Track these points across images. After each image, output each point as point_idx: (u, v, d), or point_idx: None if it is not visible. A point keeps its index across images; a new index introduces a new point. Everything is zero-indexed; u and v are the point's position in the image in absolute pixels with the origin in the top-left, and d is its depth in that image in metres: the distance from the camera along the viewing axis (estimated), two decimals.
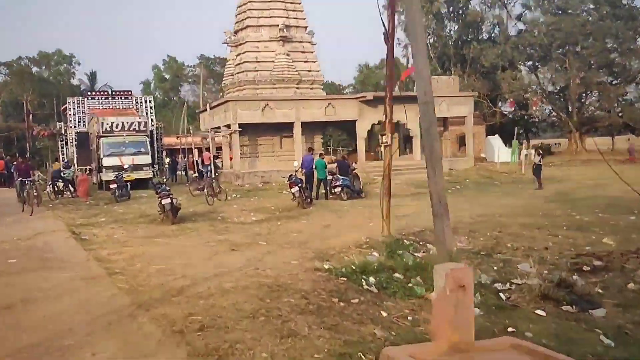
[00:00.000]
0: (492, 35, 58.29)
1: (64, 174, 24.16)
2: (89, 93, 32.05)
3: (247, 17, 30.14)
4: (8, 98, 63.11)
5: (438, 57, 59.11)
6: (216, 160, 29.88)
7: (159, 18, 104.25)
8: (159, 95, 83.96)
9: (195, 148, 36.54)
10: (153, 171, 29.04)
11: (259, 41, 30.06)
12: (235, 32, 31.39)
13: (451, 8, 58.40)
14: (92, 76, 71.74)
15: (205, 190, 22.76)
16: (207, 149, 33.16)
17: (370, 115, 29.74)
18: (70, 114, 31.85)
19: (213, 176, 26.00)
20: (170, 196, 14.54)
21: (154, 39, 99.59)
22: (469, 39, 58.36)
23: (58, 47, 76.98)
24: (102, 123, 27.17)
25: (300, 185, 18.39)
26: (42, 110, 61.43)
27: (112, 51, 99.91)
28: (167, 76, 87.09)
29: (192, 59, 78.34)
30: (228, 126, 28.72)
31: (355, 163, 21.35)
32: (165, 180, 14.88)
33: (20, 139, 49.60)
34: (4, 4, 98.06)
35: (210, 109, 27.78)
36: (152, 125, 33.20)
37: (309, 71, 30.71)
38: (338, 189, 20.08)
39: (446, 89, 31.86)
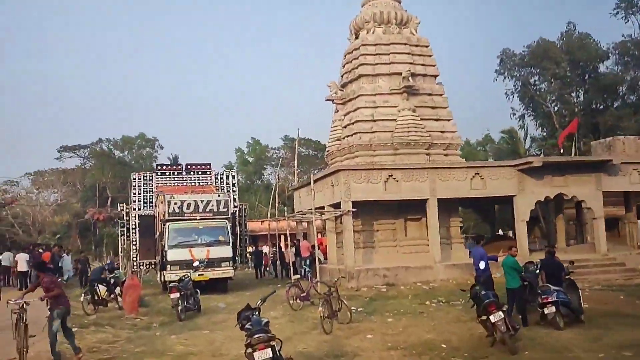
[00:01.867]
0: (629, 99, 49.22)
1: (109, 275, 16.90)
2: (159, 167, 25.35)
3: (361, 65, 23.11)
4: (89, 182, 59.11)
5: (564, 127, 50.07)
6: (312, 251, 22.17)
7: (242, 101, 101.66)
8: (241, 179, 78.46)
9: (281, 234, 29.10)
10: (234, 267, 21.45)
11: (375, 94, 22.80)
12: (343, 86, 24.29)
13: (578, 71, 49.78)
14: (175, 159, 67.34)
15: (309, 298, 15.07)
16: (304, 235, 25.37)
17: (534, 189, 21.20)
18: (134, 193, 25.11)
19: (311, 273, 18.31)
20: (271, 342, 6.53)
21: (237, 121, 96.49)
22: (601, 105, 49.48)
23: (141, 130, 74.08)
24: (169, 202, 20.30)
25: (494, 303, 10.00)
26: (123, 194, 56.82)
27: (195, 134, 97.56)
28: (250, 159, 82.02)
29: (276, 141, 73.32)
30: (335, 206, 20.91)
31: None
32: (259, 304, 6.39)
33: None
34: (85, 86, 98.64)
35: (313, 182, 20.07)
36: (235, 207, 26.05)
37: (442, 132, 22.92)
38: (551, 309, 11.45)
39: (636, 154, 22.98)
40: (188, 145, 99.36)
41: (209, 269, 20.11)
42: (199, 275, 19.96)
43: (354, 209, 20.28)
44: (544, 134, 51.76)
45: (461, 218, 23.45)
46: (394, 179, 20.81)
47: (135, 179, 26.13)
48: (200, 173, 26.02)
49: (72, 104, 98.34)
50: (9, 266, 25.67)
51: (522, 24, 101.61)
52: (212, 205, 20.91)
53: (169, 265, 19.96)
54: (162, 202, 21.04)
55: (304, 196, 25.91)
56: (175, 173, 26.09)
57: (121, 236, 25.92)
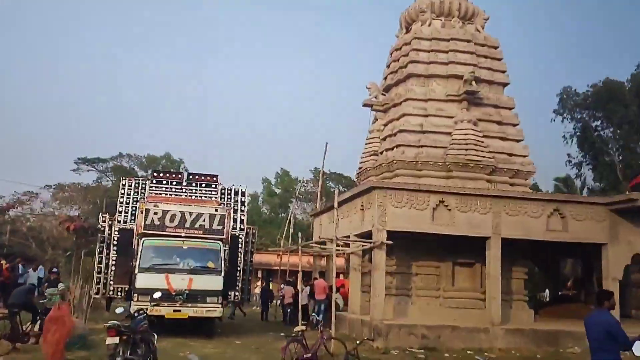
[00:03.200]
0: None
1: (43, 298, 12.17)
2: (154, 173, 20.49)
3: (411, 62, 18.26)
4: (109, 200, 54.91)
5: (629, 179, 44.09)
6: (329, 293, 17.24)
7: (274, 130, 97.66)
8: (265, 211, 73.65)
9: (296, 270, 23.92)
10: (225, 305, 16.36)
11: (427, 99, 17.81)
12: (387, 90, 19.43)
13: None
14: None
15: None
16: (322, 274, 20.09)
17: (632, 237, 15.68)
18: (121, 203, 20.24)
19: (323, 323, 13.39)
20: None
21: (267, 150, 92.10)
22: None
23: (167, 150, 70.23)
24: (147, 211, 15.37)
25: None
26: None
27: (221, 160, 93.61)
28: (278, 190, 77.19)
29: (305, 173, 68.63)
30: (365, 236, 15.78)
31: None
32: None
33: None
34: (111, 99, 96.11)
35: (337, 203, 14.91)
36: (242, 229, 21.01)
37: (509, 154, 17.70)
38: None
39: None
40: (213, 170, 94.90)
41: (190, 304, 15.02)
42: (174, 311, 14.89)
43: (389, 242, 15.00)
44: (604, 185, 45.89)
45: (526, 269, 17.89)
46: (446, 206, 15.62)
47: (124, 185, 21.33)
48: (204, 185, 20.98)
49: (93, 114, 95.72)
50: None
51: (587, 61, 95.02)
52: (204, 221, 15.98)
53: (136, 295, 14.90)
54: (141, 212, 16.12)
55: (325, 224, 20.76)
56: (174, 182, 21.10)
57: (99, 254, 21.02)
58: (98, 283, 20.81)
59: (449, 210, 15.70)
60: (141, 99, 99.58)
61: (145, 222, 15.70)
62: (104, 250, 20.73)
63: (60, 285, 13.88)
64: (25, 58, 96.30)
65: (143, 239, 15.72)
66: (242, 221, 22.01)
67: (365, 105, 19.94)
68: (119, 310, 11.55)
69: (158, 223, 15.71)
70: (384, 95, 19.81)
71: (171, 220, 15.77)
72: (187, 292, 15.00)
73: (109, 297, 19.62)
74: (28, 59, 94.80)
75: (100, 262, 21.03)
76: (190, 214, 15.97)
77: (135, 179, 22.14)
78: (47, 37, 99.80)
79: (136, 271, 15.24)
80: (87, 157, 58.02)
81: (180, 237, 15.74)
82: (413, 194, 15.55)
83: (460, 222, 15.66)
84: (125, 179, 22.01)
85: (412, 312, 16.86)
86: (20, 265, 20.71)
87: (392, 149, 17.96)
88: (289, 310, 20.91)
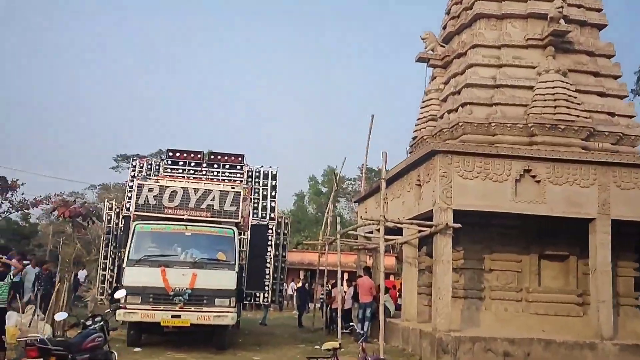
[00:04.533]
0: None
1: None
2: (170, 152, 16.96)
3: (477, 0, 13.95)
4: None
5: None
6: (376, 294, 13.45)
7: (322, 126, 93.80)
8: (312, 211, 69.98)
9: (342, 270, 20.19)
10: (238, 311, 12.72)
11: (501, 45, 13.75)
12: (447, 40, 15.38)
13: None
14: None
15: None
16: (367, 270, 16.22)
17: None
18: (130, 188, 16.78)
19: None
20: None
21: (313, 148, 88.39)
22: None
23: (210, 148, 67.97)
24: (140, 188, 11.72)
25: None
26: None
27: (266, 157, 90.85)
28: (324, 189, 73.40)
29: (352, 171, 64.65)
30: (422, 220, 11.74)
31: None
32: None
33: None
34: (155, 95, 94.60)
35: (384, 180, 10.95)
36: (271, 218, 17.48)
37: (611, 114, 13.27)
38: None
39: None
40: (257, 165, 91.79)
41: (193, 308, 11.38)
42: (172, 316, 11.28)
43: (456, 225, 10.94)
44: None
45: (638, 264, 13.43)
46: (533, 177, 11.53)
47: (134, 166, 18.02)
48: (227, 166, 17.29)
49: (133, 111, 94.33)
50: None
51: None
52: (213, 200, 12.35)
53: (126, 293, 11.33)
54: (132, 189, 12.64)
55: (371, 209, 16.78)
56: (193, 163, 17.55)
57: (105, 247, 17.75)
58: (103, 282, 17.58)
59: (538, 182, 11.56)
60: (184, 95, 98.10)
61: (137, 200, 12.19)
62: (110, 242, 17.53)
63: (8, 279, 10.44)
64: (64, 55, 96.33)
65: (134, 222, 12.23)
66: (272, 209, 18.39)
67: (420, 60, 15.89)
68: (119, 294, 8.23)
69: (154, 202, 12.19)
70: (443, 47, 15.72)
71: (171, 199, 12.22)
72: (188, 291, 11.45)
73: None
74: (67, 56, 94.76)
75: (105, 257, 17.84)
76: (196, 191, 12.38)
77: (147, 160, 18.82)
78: (88, 34, 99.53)
79: (124, 264, 11.72)
80: (126, 154, 55.90)
81: (182, 220, 12.16)
82: (488, 160, 11.47)
83: (553, 199, 11.49)
84: (135, 159, 18.75)
85: (486, 319, 12.74)
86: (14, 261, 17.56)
87: (456, 109, 13.88)
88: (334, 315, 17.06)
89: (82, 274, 22.63)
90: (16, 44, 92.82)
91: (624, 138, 13.57)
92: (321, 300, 20.05)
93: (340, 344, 7.81)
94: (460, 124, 13.44)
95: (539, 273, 13.19)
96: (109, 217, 17.97)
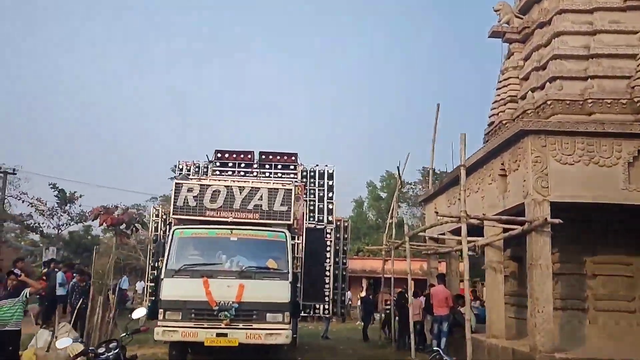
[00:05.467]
0: None
1: None
2: (218, 154, 15.42)
3: None
4: None
5: None
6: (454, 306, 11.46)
7: (381, 129, 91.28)
8: (371, 217, 67.89)
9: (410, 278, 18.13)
10: (293, 327, 10.91)
11: (593, 9, 11.35)
12: (523, 11, 13.15)
13: None
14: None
15: None
16: (441, 277, 14.18)
17: None
18: (177, 192, 15.26)
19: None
20: None
21: (369, 151, 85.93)
22: None
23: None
24: (179, 188, 10.03)
25: None
26: None
27: (330, 159, 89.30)
28: (383, 194, 71.20)
29: (412, 175, 62.09)
30: (512, 214, 9.55)
31: None
32: None
33: None
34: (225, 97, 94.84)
35: (463, 168, 8.90)
36: (329, 222, 15.81)
37: None
38: None
39: None
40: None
41: (241, 325, 9.68)
42: (217, 335, 9.62)
43: (555, 220, 8.78)
44: None
45: None
46: None
47: (180, 169, 16.67)
48: (280, 167, 15.61)
49: (192, 117, 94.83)
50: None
51: None
52: (260, 199, 10.64)
53: (162, 310, 9.80)
54: (173, 192, 11.08)
55: (443, 208, 14.70)
56: (243, 164, 15.96)
57: (152, 257, 16.42)
58: (151, 295, 16.23)
59: None
60: (242, 100, 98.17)
61: (175, 202, 10.63)
62: (159, 251, 16.13)
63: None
64: (121, 65, 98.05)
65: (173, 227, 10.66)
66: (330, 211, 16.60)
67: (493, 35, 13.74)
68: (137, 313, 6.63)
69: (194, 204, 10.59)
70: (521, 18, 13.53)
71: (213, 200, 10.58)
72: (235, 305, 9.73)
73: None
74: (124, 67, 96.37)
75: (153, 269, 16.49)
76: (241, 189, 10.70)
77: (194, 163, 17.38)
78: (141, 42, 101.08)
79: (162, 275, 10.15)
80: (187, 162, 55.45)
81: (227, 223, 10.49)
82: (592, 140, 9.28)
83: None
84: (181, 162, 17.36)
85: (592, 336, 10.49)
86: (60, 273, 16.47)
87: (542, 86, 11.68)
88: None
89: (124, 281, 21.34)
90: (85, 57, 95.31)
91: None
92: (387, 311, 18.04)
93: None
94: (548, 102, 11.23)
95: None
96: (155, 224, 16.65)
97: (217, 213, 10.55)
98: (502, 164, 10.49)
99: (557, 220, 8.81)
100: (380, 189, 70.99)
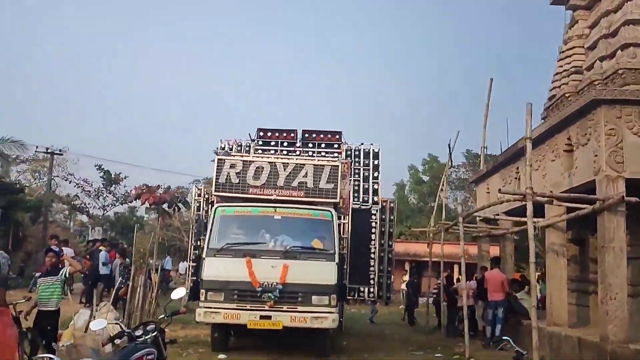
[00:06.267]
0: None
1: None
2: (261, 132, 14.86)
3: None
4: None
5: None
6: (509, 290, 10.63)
7: (424, 110, 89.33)
8: (413, 200, 66.77)
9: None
10: (340, 310, 10.31)
11: None
12: None
13: None
14: None
15: None
16: (496, 261, 13.37)
17: None
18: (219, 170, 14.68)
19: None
20: None
21: (410, 134, 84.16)
22: None
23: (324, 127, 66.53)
24: (221, 163, 9.50)
25: None
26: None
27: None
28: (425, 178, 69.87)
29: (455, 157, 60.64)
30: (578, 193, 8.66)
31: None
32: None
33: None
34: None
35: (529, 143, 8.05)
36: (374, 202, 15.13)
37: None
38: None
39: None
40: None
41: (285, 307, 9.14)
42: (260, 317, 9.11)
43: (633, 198, 7.87)
44: None
45: None
46: None
47: (223, 147, 16.16)
48: (323, 145, 14.95)
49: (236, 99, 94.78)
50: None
51: None
52: (305, 176, 10.06)
53: (204, 291, 9.34)
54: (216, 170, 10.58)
55: (496, 188, 13.81)
56: (286, 143, 15.37)
57: (195, 239, 16.08)
58: (194, 276, 15.91)
59: None
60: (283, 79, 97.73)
61: (217, 179, 10.12)
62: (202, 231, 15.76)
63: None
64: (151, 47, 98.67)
65: (215, 205, 10.18)
66: (375, 192, 15.90)
67: (555, 2, 12.67)
68: (176, 294, 6.15)
69: (236, 180, 10.08)
70: None
71: (256, 177, 10.04)
72: (279, 287, 9.20)
73: None
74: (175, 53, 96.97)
75: (195, 249, 16.16)
76: (285, 166, 10.14)
77: (236, 141, 16.88)
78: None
79: (204, 254, 9.68)
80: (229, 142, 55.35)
81: (270, 201, 9.94)
82: None
83: None
84: (223, 141, 16.89)
85: None
86: (104, 252, 16.27)
87: (613, 54, 10.64)
88: (459, 316, 14.19)
89: (167, 261, 21.37)
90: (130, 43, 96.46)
91: None
92: (433, 295, 17.29)
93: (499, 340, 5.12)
94: (619, 71, 10.20)
95: None
96: (197, 204, 16.28)
97: (260, 190, 10.02)
98: (569, 138, 9.56)
99: (634, 199, 7.91)
100: (422, 172, 69.80)
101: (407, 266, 31.90)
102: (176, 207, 14.34)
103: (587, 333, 9.20)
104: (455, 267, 25.45)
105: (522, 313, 12.26)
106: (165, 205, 14.24)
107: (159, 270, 14.71)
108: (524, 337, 9.58)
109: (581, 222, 11.53)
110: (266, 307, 9.21)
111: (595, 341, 8.34)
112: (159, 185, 14.58)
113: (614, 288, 8.10)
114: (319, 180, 9.98)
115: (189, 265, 16.82)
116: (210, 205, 14.05)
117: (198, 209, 16.64)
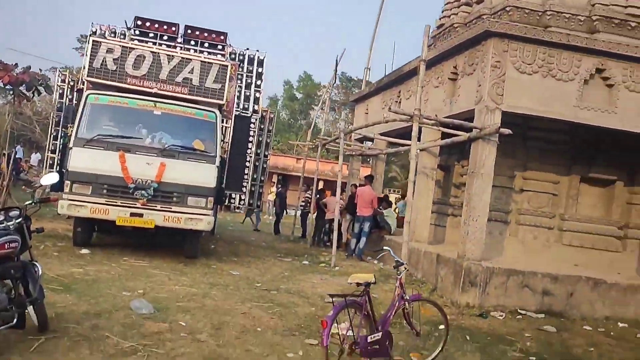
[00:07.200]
0: None
1: None
2: (138, 20, 13.48)
3: None
4: None
5: None
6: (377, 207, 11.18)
7: (299, 29, 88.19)
8: (284, 116, 66.94)
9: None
10: (215, 214, 10.09)
11: None
12: None
13: None
14: None
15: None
16: (370, 179, 13.81)
17: None
18: (93, 54, 13.12)
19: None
20: None
21: (291, 52, 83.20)
22: None
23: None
24: (97, 46, 8.50)
25: None
26: None
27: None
28: (299, 95, 70.09)
29: (328, 78, 60.91)
30: (453, 120, 9.01)
31: None
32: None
33: None
34: None
35: (422, 65, 8.16)
36: (254, 111, 14.88)
37: None
38: None
39: None
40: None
41: (159, 206, 8.73)
42: (131, 215, 8.63)
43: (506, 130, 8.34)
44: None
45: None
46: (605, 79, 8.87)
47: (94, 32, 14.60)
48: (207, 45, 14.03)
49: None
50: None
51: None
52: (191, 72, 9.40)
53: (69, 183, 8.59)
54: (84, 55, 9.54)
55: (375, 110, 14.07)
56: (166, 37, 14.21)
57: (55, 127, 14.76)
58: (52, 166, 14.69)
59: (610, 86, 8.97)
60: None
61: (91, 63, 9.14)
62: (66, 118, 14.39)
63: None
64: None
65: (87, 92, 9.25)
66: (256, 100, 15.59)
67: None
68: (48, 179, 5.45)
69: (114, 68, 9.20)
70: None
71: (136, 66, 9.23)
72: (154, 185, 8.75)
73: None
74: None
75: (56, 138, 14.87)
76: (170, 58, 9.40)
77: (109, 27, 15.35)
78: None
79: (71, 143, 8.84)
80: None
81: (150, 94, 9.23)
82: (554, 51, 8.75)
83: (626, 109, 8.97)
84: (95, 25, 15.29)
85: (511, 248, 10.56)
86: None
87: None
88: (326, 228, 14.63)
89: (18, 150, 19.78)
90: None
91: None
92: (301, 207, 17.66)
93: (376, 277, 5.30)
94: (507, 8, 10.51)
95: (577, 199, 10.95)
96: (60, 91, 14.81)
97: (139, 81, 9.23)
98: (455, 67, 9.82)
99: (507, 131, 8.38)
100: (296, 90, 69.76)
101: (274, 178, 32.24)
102: (36, 91, 12.83)
103: (445, 250, 9.91)
104: (321, 183, 26.18)
105: (385, 229, 12.95)
106: (23, 88, 12.68)
107: (11, 159, 13.38)
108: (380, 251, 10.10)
109: (449, 150, 12.20)
110: (138, 205, 8.74)
111: (453, 258, 9.00)
112: (16, 63, 12.91)
113: (477, 211, 8.70)
114: (206, 79, 9.38)
115: (47, 156, 15.51)
116: (77, 93, 12.82)
117: (61, 96, 15.20)
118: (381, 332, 5.10)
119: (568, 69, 8.79)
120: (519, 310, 8.56)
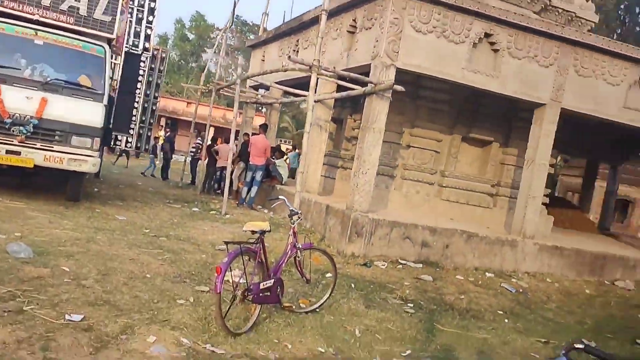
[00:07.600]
0: None
1: None
2: None
3: None
4: None
5: None
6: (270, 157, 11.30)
7: None
8: (175, 56, 64.15)
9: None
10: (100, 156, 9.57)
11: None
12: None
13: None
14: None
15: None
16: (264, 127, 13.80)
17: None
18: None
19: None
20: None
21: None
22: None
23: None
24: None
25: None
26: None
27: None
28: (191, 36, 67.42)
29: (224, 21, 58.86)
30: (350, 73, 9.17)
31: None
32: None
33: None
34: None
35: (324, 15, 8.25)
36: (145, 49, 14.17)
37: None
38: None
39: None
40: None
41: (39, 144, 8.13)
42: (7, 152, 8.00)
43: (399, 87, 8.58)
44: None
45: (554, 159, 12.28)
46: (492, 44, 9.39)
47: None
48: None
49: None
50: None
51: None
52: (79, 1, 8.67)
53: None
54: None
55: (272, 58, 13.89)
56: None
57: None
58: None
59: (495, 51, 9.49)
60: None
61: None
62: None
63: None
64: None
65: None
66: (147, 37, 14.81)
67: None
68: None
69: None
70: None
71: None
72: (34, 121, 8.11)
73: None
74: None
75: None
76: None
77: None
78: None
79: None
80: None
81: (31, 21, 8.42)
82: (449, 13, 9.04)
83: (508, 74, 9.54)
84: None
85: (395, 201, 11.07)
86: None
87: None
88: (217, 176, 14.39)
89: None
90: None
91: (574, 20, 11.88)
92: (192, 153, 17.23)
93: (270, 226, 5.34)
94: None
95: (457, 157, 11.63)
96: None
97: (18, 5, 8.37)
98: (354, 20, 9.88)
99: (401, 88, 8.64)
100: (188, 30, 66.89)
101: (163, 122, 31.11)
102: None
103: (334, 201, 10.19)
104: (211, 130, 25.68)
105: (277, 179, 13.03)
106: None
107: None
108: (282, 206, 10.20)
109: (342, 103, 12.39)
110: (15, 142, 8.07)
111: (342, 209, 9.29)
112: None
113: (367, 165, 8.99)
114: (94, 9, 8.70)
115: None
116: None
117: None
118: (273, 280, 5.19)
119: (460, 31, 9.17)
120: (400, 260, 9.08)
